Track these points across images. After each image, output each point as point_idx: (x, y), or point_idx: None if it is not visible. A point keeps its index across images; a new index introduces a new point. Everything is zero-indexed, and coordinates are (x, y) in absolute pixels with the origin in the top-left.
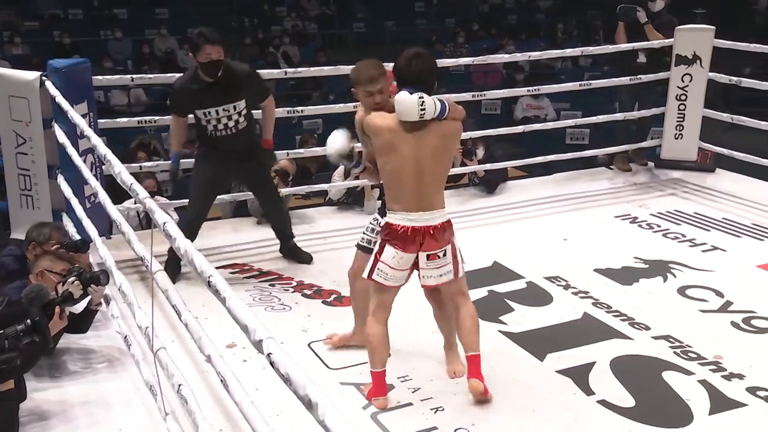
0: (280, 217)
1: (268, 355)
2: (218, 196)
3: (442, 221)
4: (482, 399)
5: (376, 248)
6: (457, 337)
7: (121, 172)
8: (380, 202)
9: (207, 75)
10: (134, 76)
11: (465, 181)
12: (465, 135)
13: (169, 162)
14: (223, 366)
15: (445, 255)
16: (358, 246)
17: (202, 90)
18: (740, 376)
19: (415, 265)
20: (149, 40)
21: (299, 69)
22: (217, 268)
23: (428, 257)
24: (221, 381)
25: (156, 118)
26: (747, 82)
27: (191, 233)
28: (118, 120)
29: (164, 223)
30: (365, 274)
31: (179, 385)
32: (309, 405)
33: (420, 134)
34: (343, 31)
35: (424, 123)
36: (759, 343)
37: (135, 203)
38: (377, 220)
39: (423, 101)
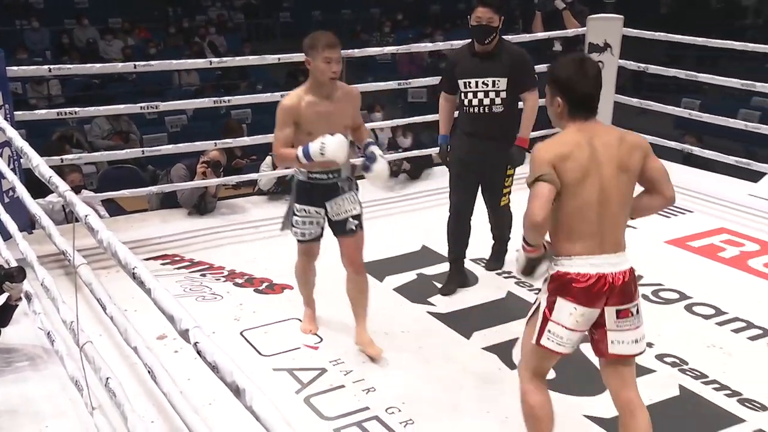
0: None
1: (195, 344)
2: (147, 188)
3: (631, 266)
4: None
5: (542, 305)
6: None
7: (40, 165)
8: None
9: (476, 40)
10: (52, 66)
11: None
12: (392, 123)
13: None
14: (151, 357)
15: (638, 312)
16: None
17: (470, 58)
18: (650, 344)
19: (596, 326)
20: (69, 30)
21: (225, 59)
22: (147, 259)
23: (618, 314)
24: (149, 372)
25: (77, 109)
26: (654, 69)
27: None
28: (37, 112)
29: (86, 216)
30: (533, 340)
31: (107, 379)
32: (237, 391)
33: (599, 149)
34: (269, 21)
35: (598, 132)
36: (666, 313)
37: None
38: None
39: None
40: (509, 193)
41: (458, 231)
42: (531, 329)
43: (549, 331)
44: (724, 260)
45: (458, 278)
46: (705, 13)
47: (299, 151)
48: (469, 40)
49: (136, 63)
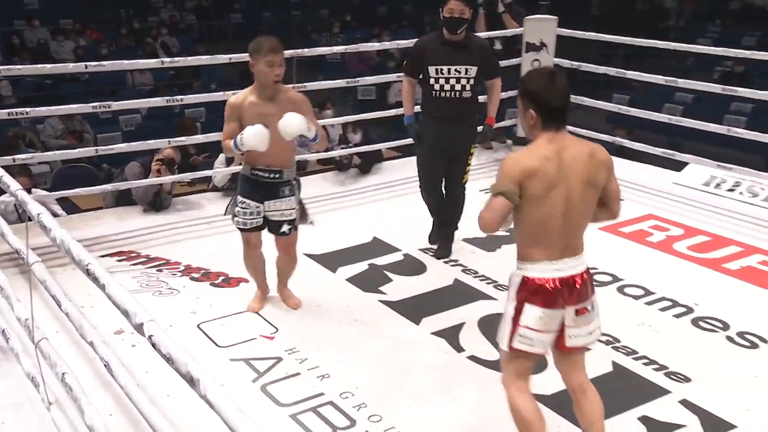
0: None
1: (150, 337)
2: (101, 186)
3: (587, 267)
4: None
5: (510, 312)
6: (581, 419)
7: None
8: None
9: (447, 30)
10: (2, 67)
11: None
12: (342, 119)
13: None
14: (107, 351)
15: (593, 308)
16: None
17: (441, 47)
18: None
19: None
20: (19, 31)
21: (176, 59)
22: (103, 256)
23: (577, 312)
24: (105, 366)
25: (28, 109)
26: (586, 67)
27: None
28: None
29: (38, 215)
30: (504, 345)
31: (63, 374)
32: (191, 382)
33: (568, 161)
34: (220, 22)
35: (568, 144)
36: (601, 295)
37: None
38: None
39: None
40: (469, 171)
41: (434, 194)
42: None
43: (519, 335)
44: (652, 244)
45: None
46: (632, 15)
47: (232, 142)
48: (433, 34)
49: (88, 63)
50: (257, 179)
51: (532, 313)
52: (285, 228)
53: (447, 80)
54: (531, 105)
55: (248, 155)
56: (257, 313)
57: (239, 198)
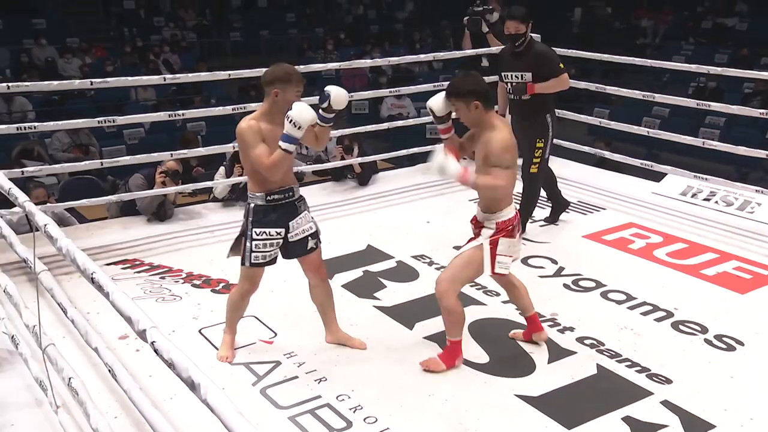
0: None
1: (152, 342)
2: (106, 197)
3: None
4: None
5: (486, 246)
6: (516, 301)
7: None
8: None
9: (510, 44)
10: (11, 84)
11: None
12: (339, 132)
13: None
14: (111, 357)
15: None
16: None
17: (508, 56)
18: (571, 329)
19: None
20: (27, 50)
21: (177, 75)
22: (107, 264)
23: (520, 236)
24: (109, 371)
25: (36, 124)
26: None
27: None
28: None
29: (45, 225)
30: (487, 272)
31: (69, 378)
32: (192, 386)
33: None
34: (220, 40)
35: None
36: (585, 300)
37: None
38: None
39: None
40: (539, 162)
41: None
42: (470, 262)
43: (499, 263)
44: (633, 251)
45: (558, 207)
46: (610, 33)
47: (280, 144)
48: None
49: (93, 80)
50: (275, 204)
51: (505, 243)
52: (312, 243)
53: (511, 84)
54: (473, 98)
55: (264, 182)
56: (256, 317)
57: (255, 231)
